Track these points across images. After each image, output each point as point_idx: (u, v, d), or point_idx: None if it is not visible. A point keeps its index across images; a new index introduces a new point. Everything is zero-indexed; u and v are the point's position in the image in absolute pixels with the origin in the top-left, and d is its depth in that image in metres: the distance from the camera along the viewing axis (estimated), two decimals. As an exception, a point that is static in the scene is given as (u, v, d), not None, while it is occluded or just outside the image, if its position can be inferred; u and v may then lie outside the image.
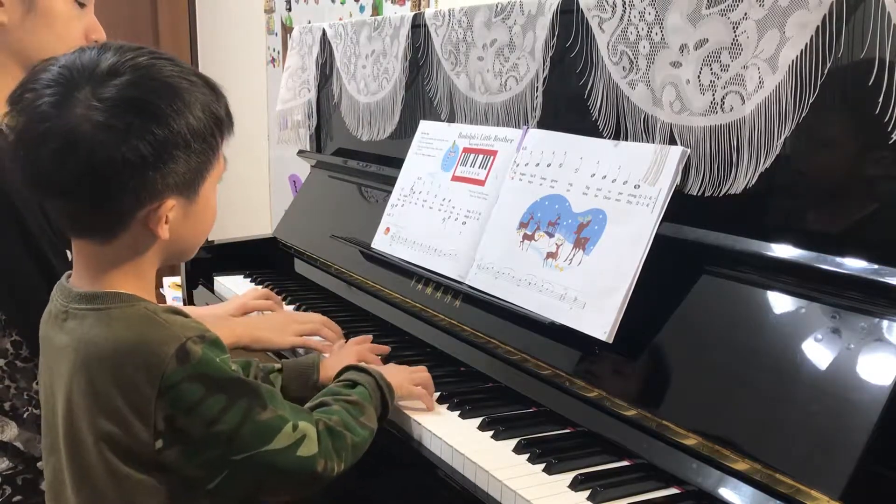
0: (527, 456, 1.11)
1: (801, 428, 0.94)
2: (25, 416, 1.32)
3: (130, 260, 0.98)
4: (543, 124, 1.45)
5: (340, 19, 2.66)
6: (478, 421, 1.21)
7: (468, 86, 1.63)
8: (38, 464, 1.33)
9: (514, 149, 1.46)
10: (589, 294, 1.20)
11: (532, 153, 1.41)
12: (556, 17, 1.39)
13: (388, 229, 1.71)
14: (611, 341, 1.15)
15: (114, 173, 0.89)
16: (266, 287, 1.95)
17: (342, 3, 2.90)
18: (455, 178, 1.59)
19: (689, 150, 1.16)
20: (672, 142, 1.19)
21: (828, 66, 0.99)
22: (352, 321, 1.68)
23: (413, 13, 1.83)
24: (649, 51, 1.21)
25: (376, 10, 2.71)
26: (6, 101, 0.96)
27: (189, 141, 0.93)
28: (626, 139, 1.26)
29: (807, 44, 1.00)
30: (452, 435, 1.17)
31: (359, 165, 2.05)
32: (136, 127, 0.89)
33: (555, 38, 1.40)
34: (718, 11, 1.10)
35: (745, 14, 1.07)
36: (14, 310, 1.30)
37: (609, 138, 1.29)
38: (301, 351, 1.56)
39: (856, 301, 0.96)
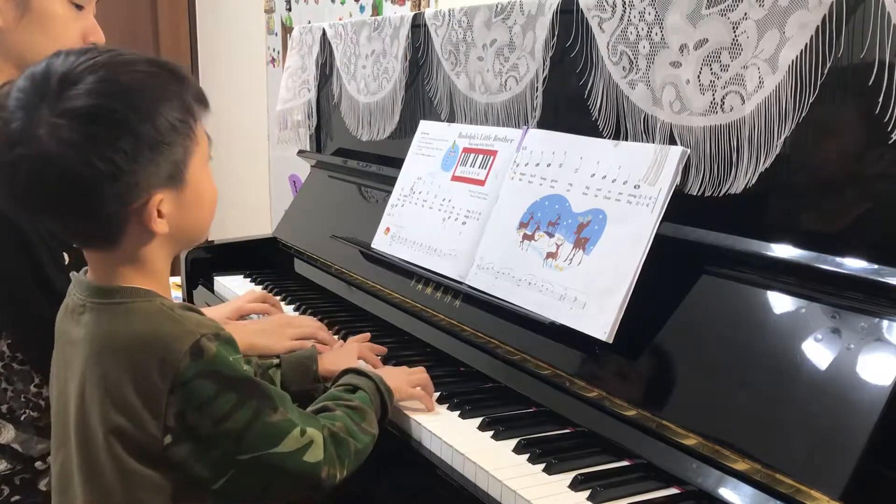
0: (527, 456, 1.11)
1: (801, 428, 0.94)
2: (22, 418, 1.32)
3: (140, 258, 0.98)
4: (543, 124, 1.45)
5: (340, 19, 2.66)
6: (478, 421, 1.21)
7: (468, 86, 1.63)
8: (36, 464, 1.33)
9: (514, 149, 1.46)
10: (589, 294, 1.20)
11: (532, 153, 1.41)
12: (556, 17, 1.39)
13: (388, 229, 1.71)
14: (611, 341, 1.15)
15: (90, 185, 0.89)
16: (266, 287, 1.95)
17: (342, 3, 2.90)
18: (455, 178, 1.59)
19: (689, 150, 1.16)
20: (672, 142, 1.19)
21: (828, 66, 0.99)
22: (352, 321, 1.68)
23: (413, 13, 1.83)
24: (649, 51, 1.21)
25: (376, 10, 2.71)
26: None
27: (158, 137, 0.92)
28: (626, 139, 1.26)
29: (807, 44, 1.00)
30: (452, 435, 1.17)
31: (359, 165, 2.05)
32: (101, 137, 0.89)
33: (555, 38, 1.40)
34: (718, 11, 1.10)
35: (745, 14, 1.07)
36: (8, 320, 1.30)
37: (609, 138, 1.29)
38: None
39: (856, 301, 0.96)
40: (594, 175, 1.28)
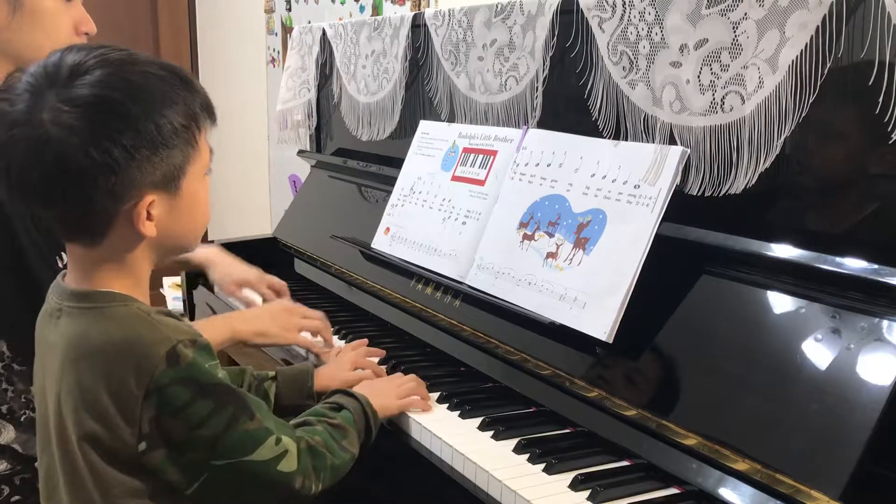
0: (527, 456, 1.11)
1: (801, 428, 0.94)
2: (23, 419, 1.32)
3: (122, 259, 0.97)
4: (543, 124, 1.45)
5: (340, 19, 2.66)
6: (478, 421, 1.21)
7: (468, 86, 1.63)
8: (36, 464, 1.33)
9: (514, 149, 1.46)
10: (589, 294, 1.20)
11: (532, 153, 1.41)
12: (556, 17, 1.39)
13: (388, 229, 1.71)
14: (611, 341, 1.15)
15: (85, 174, 0.89)
16: (266, 287, 1.95)
17: (342, 3, 2.90)
18: (455, 178, 1.59)
19: (689, 150, 1.16)
20: (672, 142, 1.19)
21: (828, 66, 0.99)
22: (352, 321, 1.68)
23: (413, 13, 1.83)
24: (649, 51, 1.21)
25: (376, 10, 2.71)
26: None
27: (159, 138, 0.92)
28: (626, 139, 1.26)
29: (807, 44, 1.00)
30: (452, 435, 1.17)
31: (359, 165, 2.05)
32: (102, 127, 0.89)
33: (555, 38, 1.40)
34: (718, 11, 1.10)
35: (745, 14, 1.07)
36: (5, 324, 1.30)
37: (609, 138, 1.29)
38: (303, 353, 1.56)
39: (856, 301, 0.96)
40: (594, 175, 1.28)
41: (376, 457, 1.16)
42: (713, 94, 1.12)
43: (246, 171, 3.74)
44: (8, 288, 1.27)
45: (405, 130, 1.88)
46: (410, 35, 1.81)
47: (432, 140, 1.70)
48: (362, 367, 1.36)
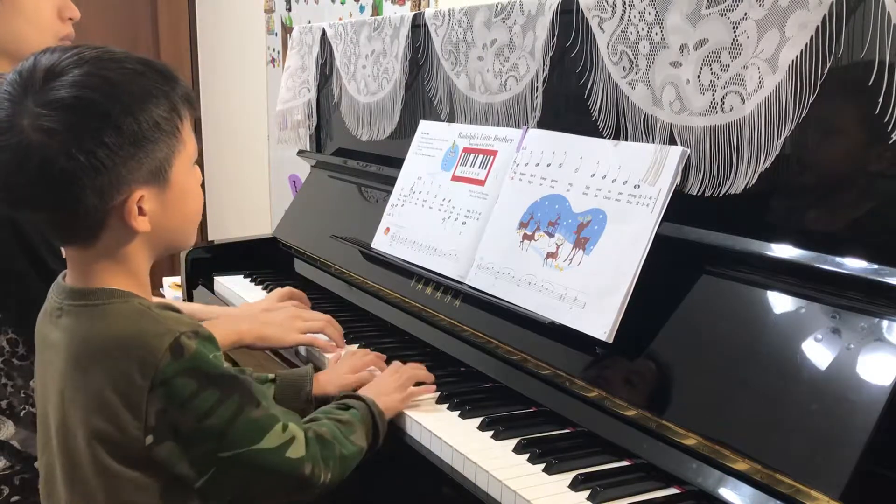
0: (527, 456, 1.11)
1: (801, 428, 0.94)
2: (22, 414, 1.33)
3: (119, 257, 0.97)
4: (543, 124, 1.45)
5: (340, 19, 2.66)
6: (478, 421, 1.21)
7: (468, 86, 1.63)
8: (36, 463, 1.33)
9: (514, 149, 1.46)
10: (589, 294, 1.20)
11: (532, 153, 1.41)
12: (556, 17, 1.39)
13: (388, 229, 1.71)
14: (611, 341, 1.15)
15: (70, 176, 0.89)
16: (266, 287, 1.95)
17: (342, 3, 2.90)
18: (455, 178, 1.59)
19: (689, 150, 1.16)
20: (672, 142, 1.19)
21: (828, 66, 0.99)
22: (352, 321, 1.68)
23: (413, 13, 1.83)
24: (649, 51, 1.21)
25: (376, 10, 2.71)
26: None
27: (141, 134, 0.92)
28: (626, 139, 1.26)
29: (807, 44, 1.00)
30: (452, 435, 1.17)
31: (359, 165, 2.05)
32: (82, 128, 0.89)
33: (555, 38, 1.40)
34: (718, 11, 1.10)
35: (745, 14, 1.07)
36: (9, 309, 1.30)
37: (609, 138, 1.29)
38: (302, 350, 1.56)
39: (856, 301, 0.96)
40: (594, 175, 1.28)
41: (376, 457, 1.16)
42: (713, 94, 1.12)
43: (246, 171, 3.74)
44: (31, 283, 1.27)
45: (405, 130, 1.88)
46: (410, 35, 1.81)
47: (432, 140, 1.70)
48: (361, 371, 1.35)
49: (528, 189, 1.39)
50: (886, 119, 0.93)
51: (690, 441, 1.02)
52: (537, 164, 1.39)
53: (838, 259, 0.98)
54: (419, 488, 1.24)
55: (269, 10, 3.44)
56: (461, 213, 1.53)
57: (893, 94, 0.93)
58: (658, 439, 1.07)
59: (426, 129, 1.73)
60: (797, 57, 1.01)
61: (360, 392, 1.22)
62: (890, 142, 0.93)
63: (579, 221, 1.27)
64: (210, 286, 2.07)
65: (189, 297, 2.12)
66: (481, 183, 1.52)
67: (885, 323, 0.92)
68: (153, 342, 0.92)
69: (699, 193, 1.15)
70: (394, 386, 1.26)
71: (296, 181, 3.27)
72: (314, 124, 2.31)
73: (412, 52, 1.82)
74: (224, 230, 3.70)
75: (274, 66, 3.45)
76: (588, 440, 1.15)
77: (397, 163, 1.77)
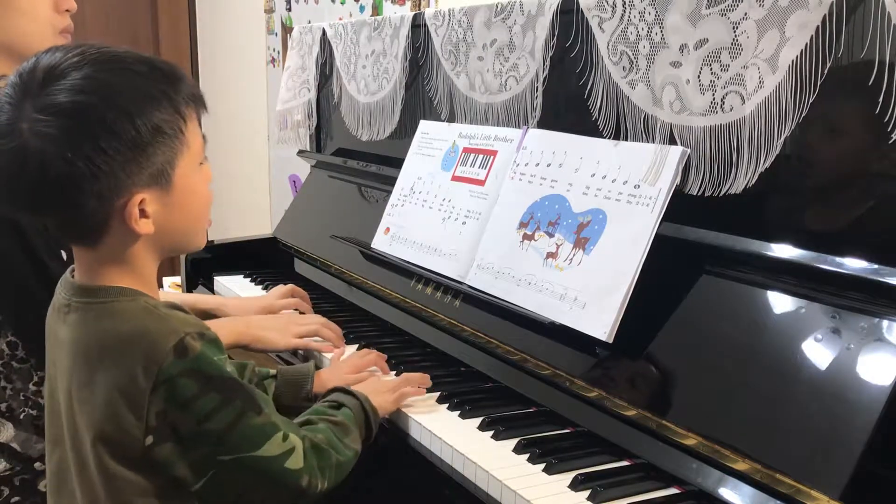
0: (527, 456, 1.11)
1: (801, 428, 0.94)
2: (22, 416, 1.32)
3: (124, 258, 0.97)
4: (543, 124, 1.45)
5: (340, 19, 2.66)
6: (478, 421, 1.21)
7: (468, 86, 1.63)
8: (35, 464, 1.33)
9: (514, 149, 1.46)
10: (589, 294, 1.20)
11: (532, 153, 1.41)
12: (556, 17, 1.39)
13: (388, 229, 1.71)
14: (611, 341, 1.15)
15: (69, 181, 0.89)
16: (266, 287, 1.95)
17: (342, 3, 2.90)
18: (455, 178, 1.59)
19: (689, 150, 1.16)
20: (672, 142, 1.19)
21: (828, 66, 0.99)
22: (352, 321, 1.68)
23: (413, 13, 1.83)
24: (649, 51, 1.21)
25: (376, 10, 2.71)
26: None
27: (140, 139, 0.91)
28: (626, 139, 1.26)
29: (807, 44, 1.00)
30: (452, 435, 1.17)
31: (359, 165, 2.05)
32: (80, 134, 0.88)
33: (555, 38, 1.40)
34: (718, 11, 1.10)
35: (745, 14, 1.07)
36: (9, 311, 1.30)
37: (609, 138, 1.29)
38: (301, 353, 1.56)
39: (856, 301, 0.96)
40: (594, 175, 1.28)
41: (376, 456, 1.16)
42: (713, 94, 1.12)
43: (246, 171, 3.73)
44: (30, 284, 1.27)
45: (405, 130, 1.88)
46: (410, 35, 1.81)
47: (432, 140, 1.70)
48: (362, 370, 1.36)
49: (528, 189, 1.39)
50: (886, 119, 0.93)
51: (690, 441, 1.02)
52: (537, 164, 1.39)
53: (838, 259, 0.98)
54: (419, 488, 1.24)
55: (269, 10, 3.44)
56: (461, 213, 1.53)
57: (893, 94, 0.93)
58: (658, 439, 1.07)
59: (426, 129, 1.73)
60: (797, 57, 1.01)
61: (353, 389, 1.22)
62: (890, 142, 0.93)
63: (579, 221, 1.27)
64: (210, 286, 2.07)
65: (189, 297, 2.11)
66: (481, 183, 1.52)
67: (885, 323, 0.92)
68: (158, 341, 0.91)
69: (699, 193, 1.15)
70: (387, 386, 1.26)
71: (296, 181, 3.27)
72: (314, 124, 2.31)
73: (412, 52, 1.82)
74: (224, 230, 3.69)
75: (274, 66, 3.45)
76: (588, 440, 1.15)
77: (397, 163, 1.77)
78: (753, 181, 1.09)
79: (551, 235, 1.30)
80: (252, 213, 3.74)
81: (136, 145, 0.91)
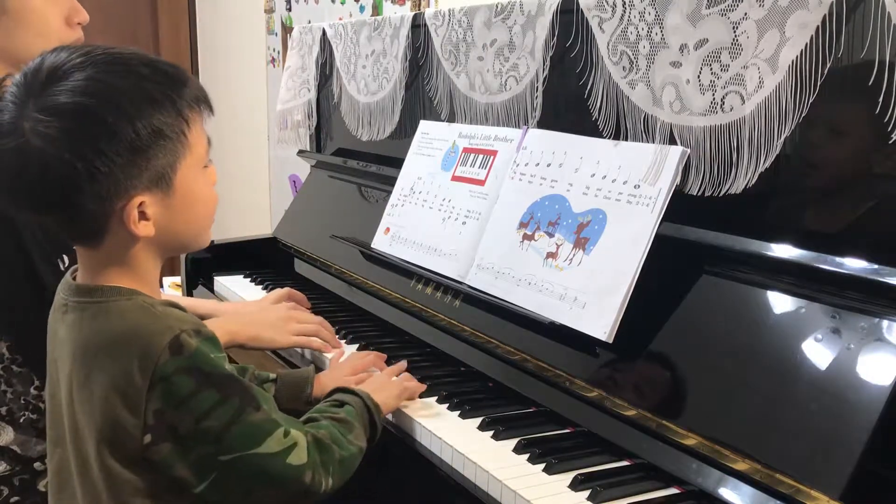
0: (527, 456, 1.11)
1: (801, 428, 0.94)
2: (22, 420, 1.32)
3: (125, 259, 0.97)
4: (543, 124, 1.45)
5: (340, 19, 2.66)
6: (478, 421, 1.21)
7: (468, 86, 1.63)
8: (35, 465, 1.33)
9: (514, 149, 1.46)
10: (589, 294, 1.20)
11: (532, 153, 1.41)
12: (556, 17, 1.39)
13: (388, 229, 1.71)
14: (611, 341, 1.15)
15: (68, 183, 0.89)
16: (266, 287, 1.95)
17: (342, 3, 2.90)
18: (455, 178, 1.59)
19: (689, 150, 1.16)
20: (672, 142, 1.19)
21: (828, 66, 0.99)
22: (352, 321, 1.68)
23: (413, 13, 1.83)
24: (649, 51, 1.21)
25: (376, 10, 2.71)
26: None
27: (139, 141, 0.90)
28: (626, 139, 1.26)
29: (807, 44, 1.00)
30: (452, 435, 1.17)
31: (359, 165, 2.05)
32: (80, 136, 0.88)
33: (555, 38, 1.40)
34: (718, 11, 1.10)
35: (745, 14, 1.07)
36: (6, 318, 1.30)
37: (609, 138, 1.29)
38: (300, 352, 1.56)
39: (856, 301, 0.96)
40: (594, 175, 1.28)
41: (375, 456, 1.16)
42: (713, 94, 1.12)
43: (246, 171, 3.73)
44: (17, 289, 1.27)
45: (405, 130, 1.88)
46: (410, 35, 1.81)
47: (432, 140, 1.70)
48: (361, 371, 1.35)
49: (528, 189, 1.39)
50: (886, 119, 0.93)
51: (690, 441, 1.02)
52: (537, 164, 1.39)
53: (838, 259, 0.98)
54: (419, 488, 1.24)
55: (269, 10, 3.44)
56: (461, 213, 1.53)
57: (893, 94, 0.93)
58: (658, 439, 1.07)
59: (426, 129, 1.73)
60: (797, 57, 1.01)
61: (355, 388, 1.21)
62: (890, 142, 0.93)
63: (579, 221, 1.27)
64: (210, 286, 2.07)
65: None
66: (481, 183, 1.52)
67: (885, 323, 0.92)
68: (153, 339, 0.91)
69: (699, 193, 1.15)
70: (388, 383, 1.26)
71: (296, 181, 3.27)
72: (314, 124, 2.31)
73: (412, 52, 1.82)
74: (224, 230, 3.69)
75: (274, 66, 3.45)
76: (588, 440, 1.15)
77: (397, 163, 1.77)
78: (753, 181, 1.09)
79: (551, 235, 1.30)
80: (252, 213, 3.74)
81: (135, 148, 0.91)
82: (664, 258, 1.15)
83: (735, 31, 1.08)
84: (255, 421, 0.96)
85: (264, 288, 1.95)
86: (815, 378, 0.95)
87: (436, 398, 1.29)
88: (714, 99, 1.12)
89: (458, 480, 1.12)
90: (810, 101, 1.01)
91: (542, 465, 1.08)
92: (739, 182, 1.10)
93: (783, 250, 1.04)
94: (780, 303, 1.04)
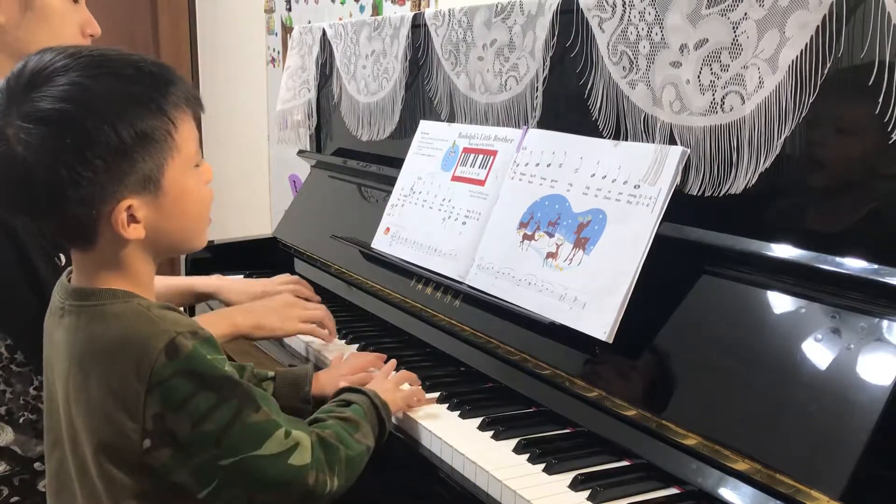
0: (527, 456, 1.11)
1: (801, 428, 0.94)
2: (21, 420, 1.32)
3: (118, 261, 0.96)
4: (543, 124, 1.45)
5: (340, 19, 2.66)
6: (478, 421, 1.21)
7: (468, 86, 1.63)
8: (35, 465, 1.33)
9: (514, 149, 1.46)
10: (589, 294, 1.20)
11: (532, 153, 1.41)
12: (556, 17, 1.39)
13: (387, 229, 1.71)
14: (611, 341, 1.15)
15: (53, 188, 0.89)
16: (266, 287, 1.95)
17: (342, 3, 2.90)
18: (455, 178, 1.59)
19: (689, 150, 1.16)
20: (672, 142, 1.19)
21: (828, 66, 0.99)
22: (352, 321, 1.68)
23: (413, 13, 1.83)
24: (649, 51, 1.21)
25: (376, 10, 2.71)
26: None
27: (122, 146, 0.89)
28: (626, 139, 1.26)
29: (807, 44, 1.00)
30: (452, 435, 1.17)
31: (359, 165, 2.05)
32: (61, 142, 0.88)
33: (555, 38, 1.40)
34: (718, 11, 1.10)
35: (745, 14, 1.07)
36: (4, 316, 1.30)
37: (609, 138, 1.29)
38: (301, 352, 1.56)
39: (856, 301, 0.96)
40: (594, 175, 1.28)
41: (375, 457, 1.16)
42: (713, 94, 1.12)
43: (246, 171, 3.73)
44: (15, 286, 1.27)
45: (405, 130, 1.88)
46: (410, 35, 1.81)
47: (432, 140, 1.70)
48: (361, 371, 1.35)
49: (528, 189, 1.39)
50: (886, 119, 0.93)
51: (690, 441, 1.02)
52: (537, 164, 1.39)
53: (838, 259, 0.98)
54: (419, 488, 1.24)
55: (269, 10, 3.44)
56: (461, 213, 1.53)
57: (893, 94, 0.93)
58: (658, 439, 1.07)
59: (426, 129, 1.73)
60: (797, 57, 1.01)
61: (362, 387, 1.21)
62: (890, 142, 0.93)
63: (579, 221, 1.27)
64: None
65: (189, 297, 2.11)
66: (481, 183, 1.52)
67: (885, 323, 0.92)
68: (149, 343, 0.90)
69: (699, 193, 1.15)
70: (391, 384, 1.26)
71: (296, 181, 3.26)
72: (314, 124, 2.31)
73: (412, 52, 1.82)
74: (224, 230, 3.69)
75: (274, 66, 3.45)
76: (588, 440, 1.15)
77: (397, 163, 1.77)
78: (753, 181, 1.09)
79: (551, 235, 1.30)
80: (252, 213, 3.74)
81: (119, 153, 0.89)
82: (664, 258, 1.15)
83: (735, 32, 1.08)
84: (255, 422, 0.95)
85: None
86: (815, 378, 0.95)
87: (436, 398, 1.29)
88: (714, 99, 1.12)
89: (458, 480, 1.12)
90: (810, 101, 1.01)
91: (542, 465, 1.08)
92: (739, 182, 1.10)
93: (783, 250, 1.04)
94: (780, 303, 1.04)
